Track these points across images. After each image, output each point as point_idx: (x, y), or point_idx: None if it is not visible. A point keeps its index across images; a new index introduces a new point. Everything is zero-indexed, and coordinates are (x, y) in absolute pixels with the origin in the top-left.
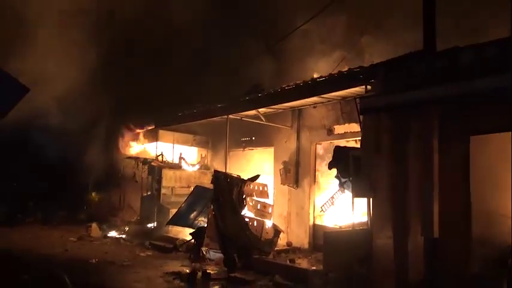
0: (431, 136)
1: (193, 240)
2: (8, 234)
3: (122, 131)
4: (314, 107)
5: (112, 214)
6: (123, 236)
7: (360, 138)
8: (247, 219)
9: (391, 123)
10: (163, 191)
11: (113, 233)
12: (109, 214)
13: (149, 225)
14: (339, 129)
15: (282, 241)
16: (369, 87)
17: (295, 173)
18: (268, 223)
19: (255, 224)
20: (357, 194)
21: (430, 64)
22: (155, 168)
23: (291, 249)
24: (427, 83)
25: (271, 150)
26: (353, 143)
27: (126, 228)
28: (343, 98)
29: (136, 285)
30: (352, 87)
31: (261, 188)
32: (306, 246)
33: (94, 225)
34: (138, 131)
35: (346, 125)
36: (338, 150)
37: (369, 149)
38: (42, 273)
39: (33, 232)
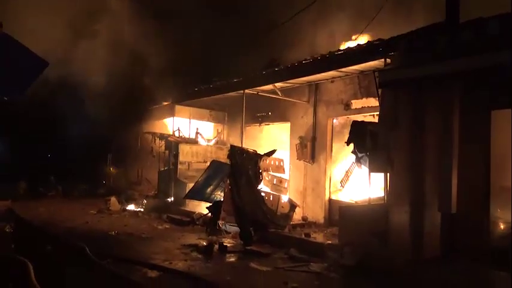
0: (452, 110)
1: (210, 214)
2: (30, 207)
3: (140, 106)
4: (331, 82)
5: (130, 188)
6: (141, 210)
7: (377, 113)
8: (263, 194)
9: (411, 97)
10: (180, 165)
11: (131, 207)
12: (127, 188)
13: (167, 199)
14: (357, 104)
15: (297, 216)
16: (388, 60)
17: (311, 148)
18: (284, 198)
19: (271, 199)
20: (373, 169)
21: (452, 36)
22: (172, 143)
23: (306, 223)
24: (449, 56)
25: (287, 125)
26: (370, 118)
27: (144, 202)
28: (361, 71)
29: (155, 256)
30: (371, 61)
31: (277, 163)
32: (322, 221)
33: (113, 198)
34: (155, 106)
35: (364, 99)
36: (355, 125)
37: (387, 124)
38: (64, 244)
39: (55, 205)
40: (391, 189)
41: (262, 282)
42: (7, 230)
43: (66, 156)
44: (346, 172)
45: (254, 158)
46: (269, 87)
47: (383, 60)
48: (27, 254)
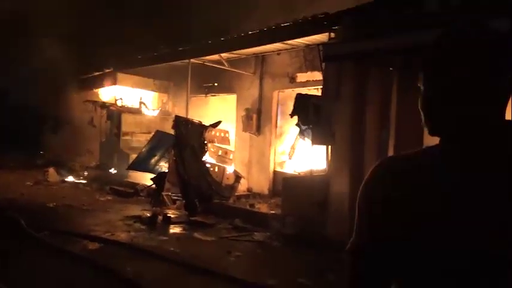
0: (391, 85)
1: (154, 185)
2: None
3: (80, 74)
4: (278, 54)
5: (70, 159)
6: (82, 181)
7: (321, 86)
8: (208, 165)
9: (353, 71)
10: (122, 136)
11: (71, 178)
12: (67, 159)
13: (109, 170)
14: (302, 77)
15: (242, 187)
16: (332, 34)
17: (257, 120)
18: (229, 169)
19: (216, 170)
20: (316, 141)
21: (395, 12)
22: (114, 113)
23: (251, 194)
24: (391, 32)
25: (233, 97)
26: (315, 91)
27: (85, 173)
28: (307, 45)
29: (96, 228)
30: (316, 34)
31: (222, 135)
32: (266, 192)
33: (51, 169)
34: (96, 73)
35: (309, 73)
36: (299, 98)
37: (329, 97)
38: None
39: None
40: (332, 161)
41: (206, 252)
42: None
43: (3, 126)
44: (292, 144)
45: (199, 129)
46: (215, 57)
47: (327, 34)
48: None
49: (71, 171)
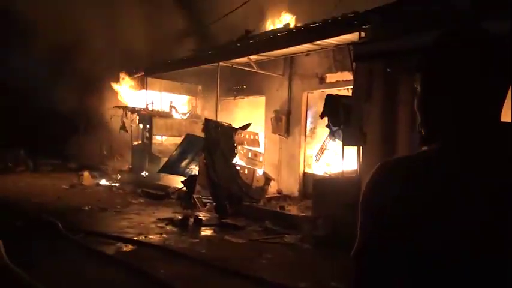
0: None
1: (184, 188)
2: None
3: (111, 80)
4: (306, 55)
5: (103, 163)
6: (115, 184)
7: (351, 86)
8: (238, 168)
9: (384, 71)
10: (154, 139)
11: (104, 182)
12: (100, 163)
13: (141, 173)
14: (331, 77)
15: (272, 189)
16: (362, 34)
17: (286, 122)
18: (259, 171)
19: (246, 172)
20: (347, 142)
21: (425, 8)
22: (145, 117)
23: (281, 196)
24: (422, 29)
25: (262, 99)
26: (345, 91)
27: (118, 177)
28: (336, 45)
29: (130, 230)
30: (345, 34)
31: (252, 137)
32: (296, 194)
33: (86, 173)
34: (127, 78)
35: (339, 73)
36: (329, 98)
37: (360, 97)
38: (35, 220)
39: (25, 180)
40: (364, 162)
41: (236, 254)
42: None
43: (36, 131)
44: (322, 146)
45: (229, 132)
46: (244, 59)
47: (358, 33)
48: None
49: (104, 175)
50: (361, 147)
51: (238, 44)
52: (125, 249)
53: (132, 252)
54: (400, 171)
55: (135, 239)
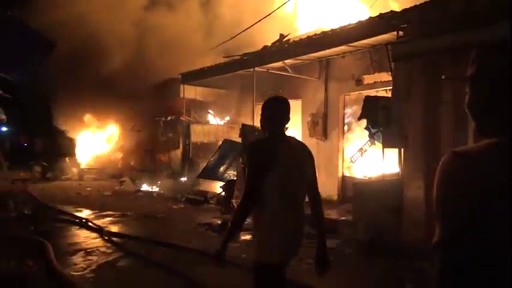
0: (466, 82)
1: (223, 193)
2: (46, 191)
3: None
4: (342, 57)
5: (143, 169)
6: (156, 190)
7: (390, 87)
8: None
9: (424, 70)
10: (192, 145)
11: (145, 187)
12: (140, 169)
13: (181, 179)
14: (369, 79)
15: None
16: (400, 33)
17: (323, 125)
18: None
19: None
20: (387, 144)
21: (467, 5)
22: (183, 124)
23: None
24: (464, 26)
25: (298, 102)
26: (383, 93)
27: (159, 183)
28: (373, 46)
29: (172, 235)
30: (383, 34)
31: None
32: (335, 198)
33: (127, 179)
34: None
35: (376, 74)
36: (368, 100)
37: (400, 98)
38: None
39: (69, 187)
40: (406, 165)
41: None
42: (26, 213)
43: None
44: (360, 148)
45: None
46: (279, 64)
47: (395, 33)
48: (46, 235)
49: (145, 181)
50: (402, 149)
51: (274, 49)
52: (169, 254)
53: (176, 257)
54: (476, 159)
55: (178, 244)
